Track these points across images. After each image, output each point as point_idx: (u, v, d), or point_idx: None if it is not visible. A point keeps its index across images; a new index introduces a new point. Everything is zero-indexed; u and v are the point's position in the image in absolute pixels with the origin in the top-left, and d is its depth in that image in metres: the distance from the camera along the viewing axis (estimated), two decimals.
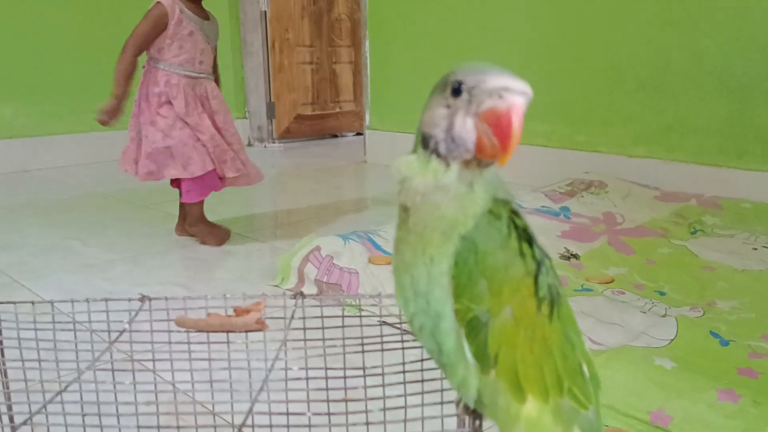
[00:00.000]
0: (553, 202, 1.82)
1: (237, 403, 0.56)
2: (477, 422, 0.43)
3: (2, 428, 0.50)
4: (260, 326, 0.54)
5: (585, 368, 0.41)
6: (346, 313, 0.62)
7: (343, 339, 0.61)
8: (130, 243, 1.88)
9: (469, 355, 0.37)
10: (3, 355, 0.51)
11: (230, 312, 0.58)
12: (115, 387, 0.53)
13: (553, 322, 0.39)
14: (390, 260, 1.77)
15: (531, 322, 0.37)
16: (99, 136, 3.20)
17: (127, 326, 0.51)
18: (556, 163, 2.35)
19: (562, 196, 1.88)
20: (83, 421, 0.52)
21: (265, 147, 3.72)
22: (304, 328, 0.59)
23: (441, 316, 0.37)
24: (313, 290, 1.41)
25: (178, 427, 0.51)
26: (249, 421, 0.44)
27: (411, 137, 0.44)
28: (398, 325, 0.62)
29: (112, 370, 0.51)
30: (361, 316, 0.61)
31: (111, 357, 0.51)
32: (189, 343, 0.55)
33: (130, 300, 0.52)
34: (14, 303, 0.52)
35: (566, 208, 1.79)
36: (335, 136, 4.07)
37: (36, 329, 0.52)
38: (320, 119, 3.92)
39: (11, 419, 0.52)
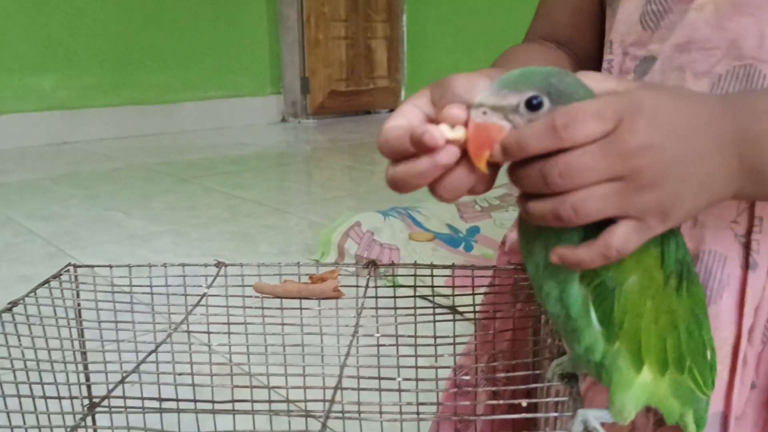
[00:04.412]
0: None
1: (308, 377, 0.56)
2: (575, 389, 0.43)
3: (80, 387, 0.51)
4: (337, 294, 0.54)
5: (708, 354, 0.40)
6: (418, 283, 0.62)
7: (415, 308, 0.60)
8: (173, 215, 1.90)
9: (595, 321, 0.37)
10: (80, 315, 0.52)
11: (304, 279, 0.58)
12: (190, 354, 0.53)
13: (681, 298, 0.38)
14: (429, 237, 1.75)
15: (657, 293, 0.37)
16: (137, 109, 3.24)
17: (206, 290, 0.51)
18: None
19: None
20: (159, 391, 0.52)
21: (299, 122, 3.72)
22: (376, 297, 0.59)
23: (569, 280, 0.37)
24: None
25: (252, 401, 0.51)
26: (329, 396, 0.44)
27: None
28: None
29: (188, 332, 0.52)
30: (433, 286, 0.61)
31: (187, 322, 0.51)
32: (263, 308, 0.55)
33: (206, 266, 0.52)
34: (92, 267, 0.52)
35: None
36: (368, 112, 4.05)
37: (113, 292, 0.52)
38: (354, 95, 3.90)
39: (87, 378, 0.52)
